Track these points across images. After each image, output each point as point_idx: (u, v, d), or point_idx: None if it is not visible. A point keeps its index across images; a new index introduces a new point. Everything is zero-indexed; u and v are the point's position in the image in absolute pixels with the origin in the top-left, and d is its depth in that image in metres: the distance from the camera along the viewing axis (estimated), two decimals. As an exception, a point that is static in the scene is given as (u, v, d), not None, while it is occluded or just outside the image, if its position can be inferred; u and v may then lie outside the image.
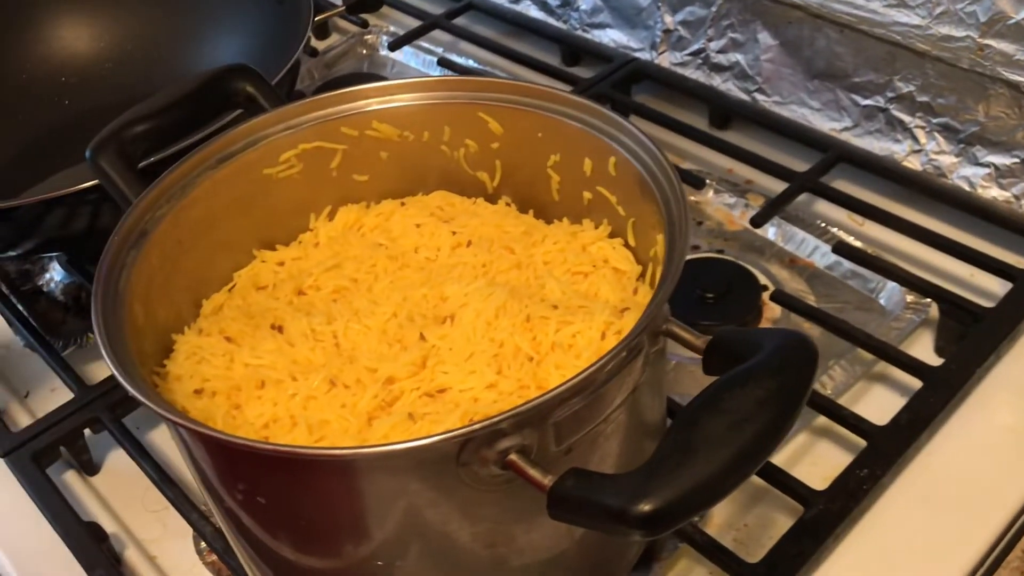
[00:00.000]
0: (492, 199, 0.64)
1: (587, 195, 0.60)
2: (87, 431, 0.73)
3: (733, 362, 0.43)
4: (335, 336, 0.54)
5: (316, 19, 1.04)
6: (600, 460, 0.47)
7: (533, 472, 0.42)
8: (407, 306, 0.55)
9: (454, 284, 0.56)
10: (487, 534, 0.46)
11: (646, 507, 0.37)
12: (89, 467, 0.73)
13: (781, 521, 0.63)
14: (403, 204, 0.64)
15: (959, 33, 0.75)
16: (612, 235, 0.60)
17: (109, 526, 0.69)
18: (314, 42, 1.13)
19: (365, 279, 0.58)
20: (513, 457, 0.42)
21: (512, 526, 0.47)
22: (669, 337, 0.48)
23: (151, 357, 0.53)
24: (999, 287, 0.74)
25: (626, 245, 0.59)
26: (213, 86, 0.63)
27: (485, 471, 0.43)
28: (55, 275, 0.89)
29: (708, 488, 0.38)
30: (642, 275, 0.57)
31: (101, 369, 0.79)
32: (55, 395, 0.78)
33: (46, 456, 0.71)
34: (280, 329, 0.55)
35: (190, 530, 0.66)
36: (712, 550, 0.60)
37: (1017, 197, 0.78)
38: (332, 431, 0.48)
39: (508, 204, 0.64)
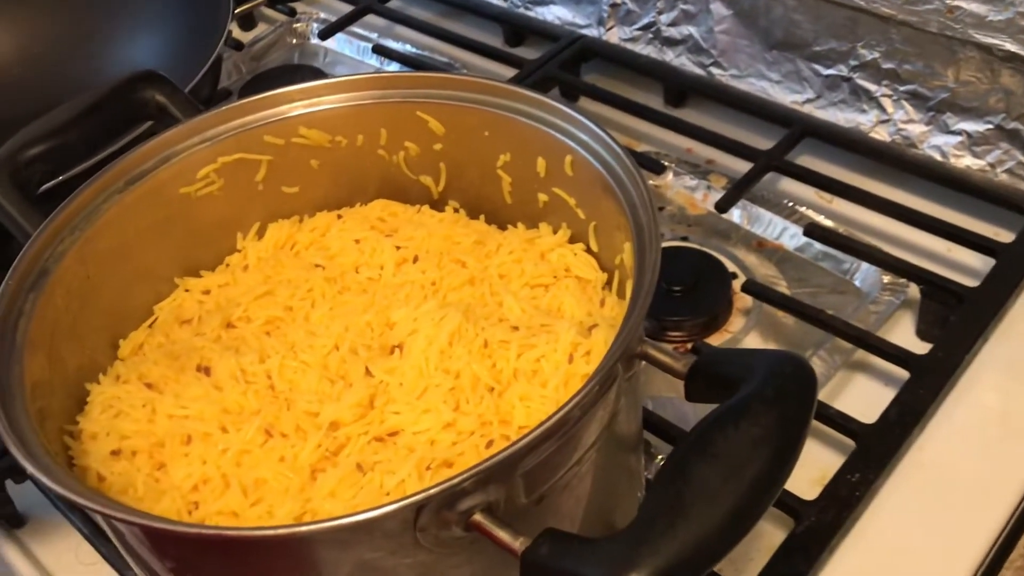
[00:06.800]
0: (438, 205, 0.59)
1: (543, 197, 0.55)
2: (9, 481, 0.66)
3: (720, 388, 0.38)
4: (269, 376, 0.48)
5: (237, 10, 0.97)
6: (575, 504, 0.42)
7: (501, 534, 0.36)
8: (349, 336, 0.49)
9: (401, 307, 0.50)
10: (454, 598, 0.41)
11: (635, 580, 0.32)
12: (14, 520, 0.67)
13: (769, 533, 0.59)
14: (340, 217, 0.58)
15: (927, -5, 0.71)
16: (572, 240, 0.55)
17: (40, 585, 0.63)
18: (239, 34, 1.06)
19: (301, 307, 0.52)
20: (478, 517, 0.37)
21: (481, 586, 0.42)
22: (645, 361, 0.43)
23: (60, 414, 0.47)
24: (979, 262, 0.71)
25: (588, 250, 0.54)
26: (118, 97, 0.57)
27: (447, 534, 0.37)
28: (-32, 305, 0.82)
29: (705, 551, 0.33)
30: (608, 283, 0.52)
31: (21, 410, 0.72)
32: (-28, 441, 0.71)
33: (-36, 513, 0.64)
34: (207, 371, 0.49)
35: (129, 585, 0.60)
36: (699, 572, 0.55)
37: (992, 165, 0.74)
38: (270, 491, 0.43)
39: (456, 210, 0.59)
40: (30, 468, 0.38)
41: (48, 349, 0.47)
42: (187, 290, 0.56)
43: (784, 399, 0.36)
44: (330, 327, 0.50)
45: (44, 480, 0.38)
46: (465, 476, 0.35)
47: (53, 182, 0.56)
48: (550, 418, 0.37)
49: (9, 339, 0.45)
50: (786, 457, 0.35)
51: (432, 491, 0.35)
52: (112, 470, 0.45)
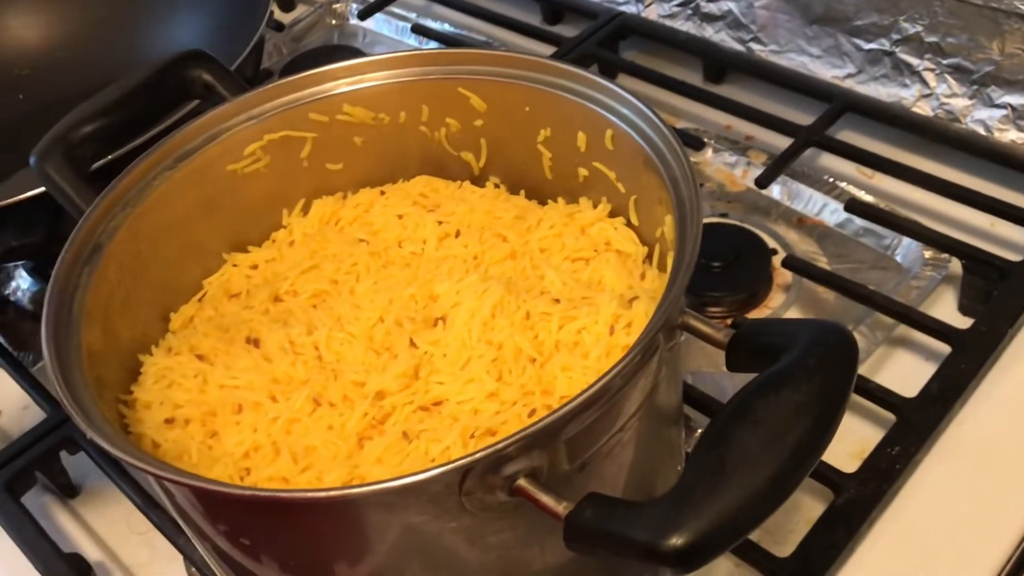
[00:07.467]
0: (479, 181, 0.60)
1: (583, 172, 0.55)
2: (63, 452, 0.68)
3: (761, 358, 0.39)
4: (317, 348, 0.49)
5: (278, -9, 0.98)
6: (617, 472, 0.43)
7: (545, 499, 0.37)
8: (394, 309, 0.50)
9: (444, 281, 0.51)
10: (498, 562, 0.42)
11: (678, 541, 0.33)
12: (68, 490, 0.68)
13: (808, 505, 0.59)
14: (383, 193, 0.59)
15: (971, -34, 0.70)
16: (612, 214, 0.55)
17: (93, 553, 0.64)
18: (279, 15, 1.07)
19: (346, 280, 0.53)
20: (522, 483, 0.37)
21: (525, 551, 0.42)
22: (687, 331, 0.43)
23: (115, 384, 0.48)
24: (1023, 237, 0.70)
25: (628, 224, 0.54)
26: (165, 77, 0.58)
27: (491, 498, 0.38)
28: (22, 283, 0.84)
29: (746, 515, 0.33)
30: (648, 257, 0.53)
31: (74, 383, 0.74)
32: (27, 413, 0.73)
33: (21, 483, 0.66)
34: (256, 343, 0.50)
35: (180, 553, 0.61)
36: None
37: (1037, 139, 0.73)
38: (319, 458, 0.44)
39: (497, 186, 0.59)
40: (91, 433, 0.40)
41: (103, 321, 0.49)
42: (235, 265, 0.57)
43: (826, 367, 0.36)
44: (375, 300, 0.51)
45: (105, 445, 0.39)
46: (510, 441, 0.36)
47: (104, 160, 0.57)
48: (593, 385, 0.37)
49: (67, 310, 0.47)
50: (827, 424, 0.35)
51: (478, 455, 0.36)
52: (166, 437, 0.46)
